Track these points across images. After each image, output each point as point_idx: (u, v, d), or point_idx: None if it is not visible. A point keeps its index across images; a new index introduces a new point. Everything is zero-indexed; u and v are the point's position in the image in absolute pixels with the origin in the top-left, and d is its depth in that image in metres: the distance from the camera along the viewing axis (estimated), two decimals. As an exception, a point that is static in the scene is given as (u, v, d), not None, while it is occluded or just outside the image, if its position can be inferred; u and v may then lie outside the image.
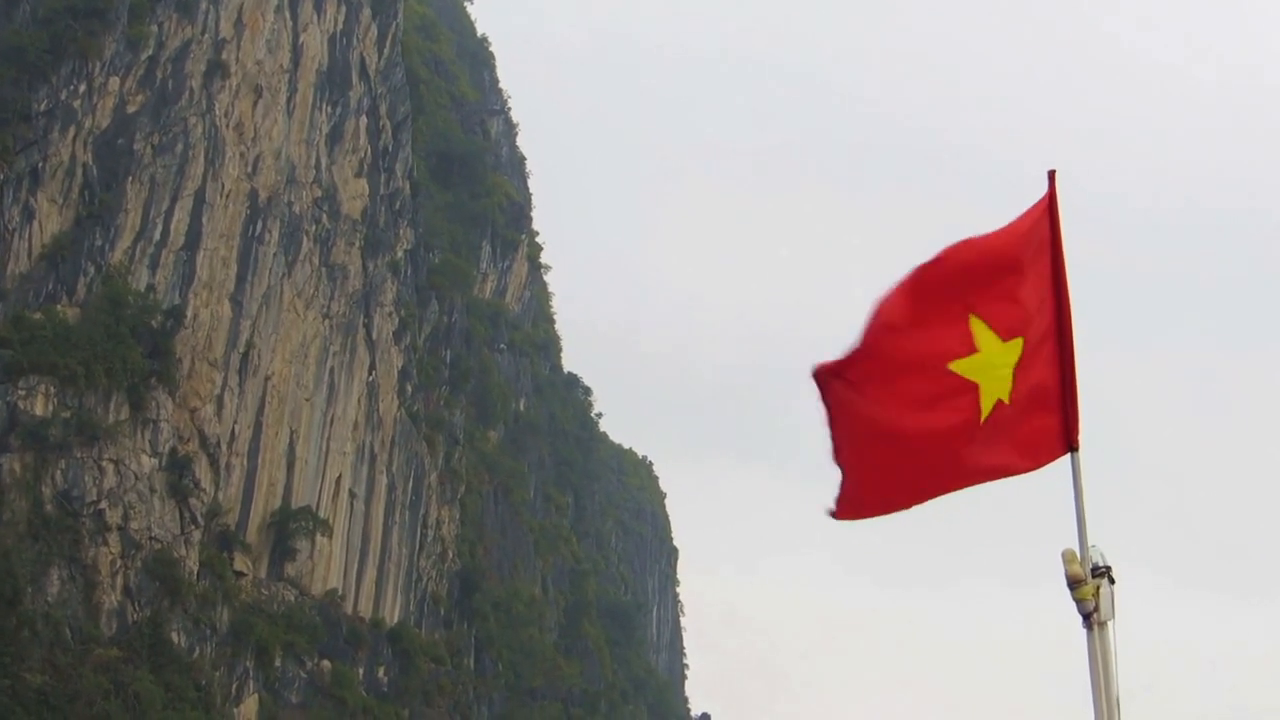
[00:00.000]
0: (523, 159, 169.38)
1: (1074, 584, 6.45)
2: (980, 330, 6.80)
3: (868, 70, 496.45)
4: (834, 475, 6.77)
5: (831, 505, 6.81)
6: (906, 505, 6.98)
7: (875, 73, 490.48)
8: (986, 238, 6.91)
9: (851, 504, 6.84)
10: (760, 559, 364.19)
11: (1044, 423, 6.94)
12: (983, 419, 6.83)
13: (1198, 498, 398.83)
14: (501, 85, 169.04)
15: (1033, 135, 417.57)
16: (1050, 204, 6.97)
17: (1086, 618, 6.46)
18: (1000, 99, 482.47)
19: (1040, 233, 6.96)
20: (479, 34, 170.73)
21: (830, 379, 6.68)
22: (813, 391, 6.69)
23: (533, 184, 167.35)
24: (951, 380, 6.77)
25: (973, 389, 6.80)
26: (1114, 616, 6.47)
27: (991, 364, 6.81)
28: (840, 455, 6.73)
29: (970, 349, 6.78)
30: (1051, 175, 7.00)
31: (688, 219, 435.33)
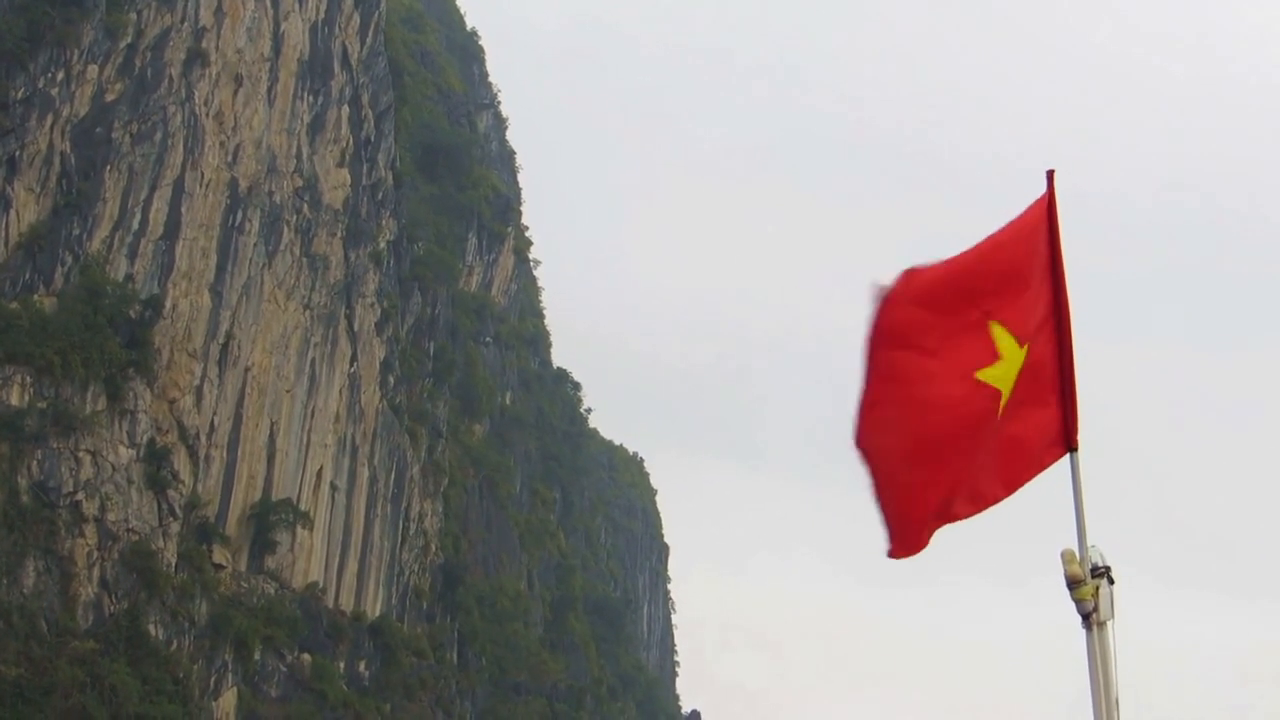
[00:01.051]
0: (512, 153, 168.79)
1: (1073, 584, 6.37)
2: (1001, 336, 6.73)
3: (864, 68, 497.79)
4: (876, 514, 6.74)
5: (887, 546, 6.83)
6: (948, 520, 6.97)
7: (871, 71, 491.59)
8: (991, 241, 6.80)
9: (902, 538, 6.85)
10: (749, 557, 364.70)
11: (1042, 423, 6.87)
12: (998, 418, 6.79)
13: (1192, 497, 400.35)
14: (491, 79, 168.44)
15: (1028, 135, 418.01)
16: (1049, 205, 6.84)
17: (1086, 618, 6.38)
18: (995, 99, 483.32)
19: (1040, 235, 6.85)
20: (469, 28, 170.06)
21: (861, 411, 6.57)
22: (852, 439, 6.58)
23: (524, 179, 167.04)
24: (982, 389, 6.71)
25: (997, 395, 6.75)
26: (1113, 616, 6.41)
27: (1009, 370, 6.77)
28: (878, 487, 6.66)
29: (995, 356, 6.72)
30: (1050, 175, 6.86)
31: (681, 216, 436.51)
